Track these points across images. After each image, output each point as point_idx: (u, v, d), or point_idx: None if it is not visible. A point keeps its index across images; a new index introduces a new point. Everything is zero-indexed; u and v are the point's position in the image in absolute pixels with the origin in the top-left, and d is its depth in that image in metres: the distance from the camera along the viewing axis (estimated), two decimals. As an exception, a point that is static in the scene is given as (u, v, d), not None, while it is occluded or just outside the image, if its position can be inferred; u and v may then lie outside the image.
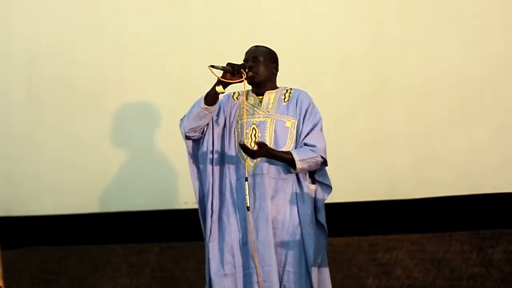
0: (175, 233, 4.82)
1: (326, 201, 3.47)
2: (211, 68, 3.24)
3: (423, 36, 4.74)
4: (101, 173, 4.95)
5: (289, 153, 3.34)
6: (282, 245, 3.32)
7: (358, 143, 4.73)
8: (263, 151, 3.28)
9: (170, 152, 4.83)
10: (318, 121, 3.45)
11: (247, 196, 3.29)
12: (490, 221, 4.59)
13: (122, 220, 4.93)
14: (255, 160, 3.36)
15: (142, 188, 4.93)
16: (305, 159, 3.33)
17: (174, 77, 4.89)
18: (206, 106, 3.35)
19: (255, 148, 3.27)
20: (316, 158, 3.36)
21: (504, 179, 4.58)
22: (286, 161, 3.35)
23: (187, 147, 3.52)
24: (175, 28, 4.96)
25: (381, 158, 4.71)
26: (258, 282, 3.26)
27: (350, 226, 4.66)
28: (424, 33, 4.74)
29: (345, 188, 4.59)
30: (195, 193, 3.51)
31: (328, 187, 3.48)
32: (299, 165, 3.31)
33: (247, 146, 3.27)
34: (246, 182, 3.31)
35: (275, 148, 3.36)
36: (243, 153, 3.31)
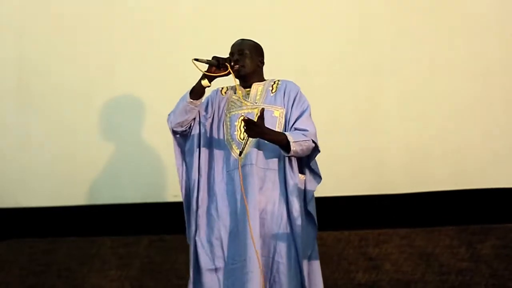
0: (164, 226, 4.81)
1: (317, 195, 3.46)
2: (194, 61, 3.22)
3: (415, 30, 4.74)
4: (90, 165, 4.93)
5: (282, 134, 3.32)
6: (271, 236, 3.31)
7: (349, 137, 4.73)
8: (261, 128, 3.21)
9: (160, 145, 4.82)
10: (307, 108, 3.44)
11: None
12: (479, 216, 4.60)
13: (111, 213, 4.91)
14: (244, 151, 3.32)
15: (132, 180, 4.91)
16: (298, 141, 3.30)
17: (165, 70, 4.86)
18: (192, 100, 3.34)
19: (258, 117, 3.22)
20: (308, 142, 3.34)
21: (493, 175, 4.60)
22: (279, 142, 3.30)
23: (174, 141, 3.50)
24: (164, 21, 4.95)
25: (371, 152, 4.71)
26: (261, 273, 3.22)
27: (340, 220, 4.66)
28: (416, 27, 4.74)
29: (336, 182, 4.60)
30: (180, 188, 3.49)
31: (318, 177, 3.46)
32: (293, 147, 3.27)
33: (250, 119, 3.19)
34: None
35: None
36: (242, 133, 3.30)
